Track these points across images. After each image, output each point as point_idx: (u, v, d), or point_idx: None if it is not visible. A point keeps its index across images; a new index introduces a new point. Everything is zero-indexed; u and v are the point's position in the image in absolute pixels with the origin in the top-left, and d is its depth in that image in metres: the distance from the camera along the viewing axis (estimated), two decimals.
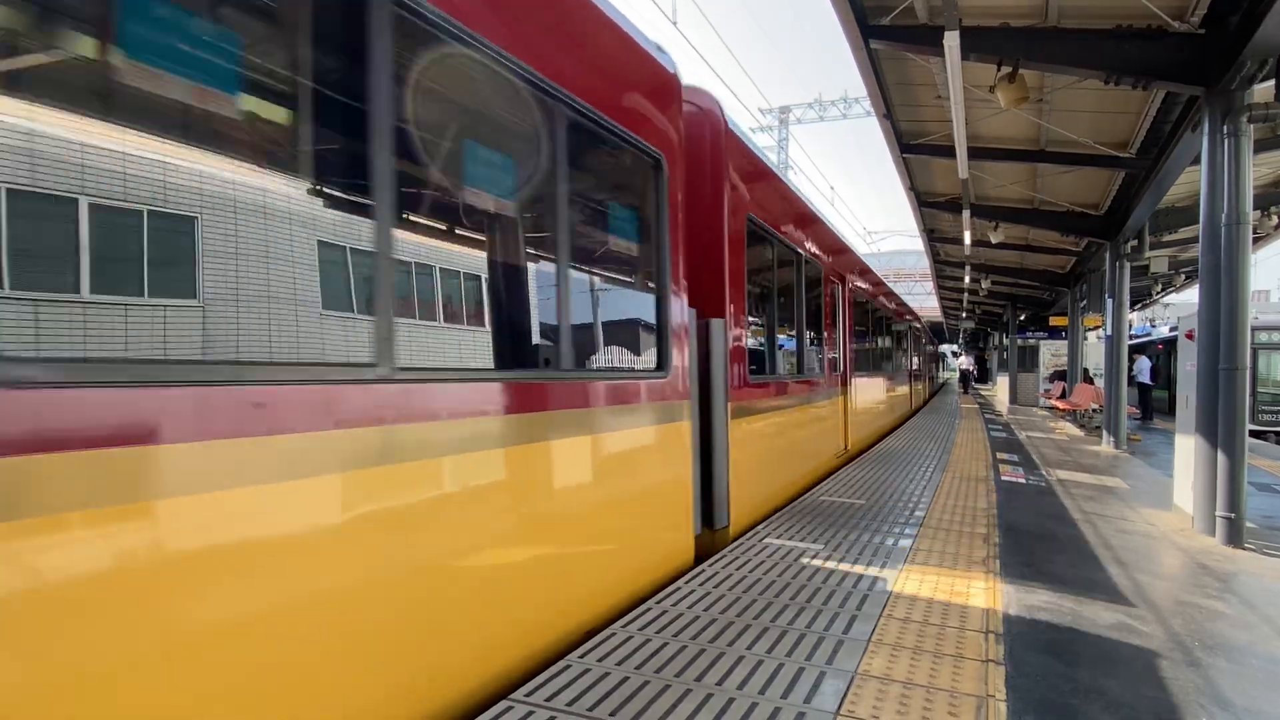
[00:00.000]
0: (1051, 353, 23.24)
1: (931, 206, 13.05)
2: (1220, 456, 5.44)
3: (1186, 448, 6.06)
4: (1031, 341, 24.43)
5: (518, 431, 2.77)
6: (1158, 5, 5.70)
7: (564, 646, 3.00)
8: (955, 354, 53.64)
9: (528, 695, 2.48)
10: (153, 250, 1.77)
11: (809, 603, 3.51)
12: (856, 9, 6.48)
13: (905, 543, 4.75)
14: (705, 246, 4.75)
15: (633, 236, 3.96)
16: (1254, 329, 14.10)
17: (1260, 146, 6.99)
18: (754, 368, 5.43)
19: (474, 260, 2.92)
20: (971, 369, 35.81)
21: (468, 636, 2.49)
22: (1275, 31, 4.88)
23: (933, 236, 16.14)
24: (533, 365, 3.07)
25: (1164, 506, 6.78)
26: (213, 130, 1.87)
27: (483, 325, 2.88)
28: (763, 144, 32.32)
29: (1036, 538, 5.38)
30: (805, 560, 4.25)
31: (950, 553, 4.54)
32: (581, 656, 2.82)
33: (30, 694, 1.42)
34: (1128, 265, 11.15)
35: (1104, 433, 11.91)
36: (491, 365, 2.87)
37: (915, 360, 21.03)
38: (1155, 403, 19.30)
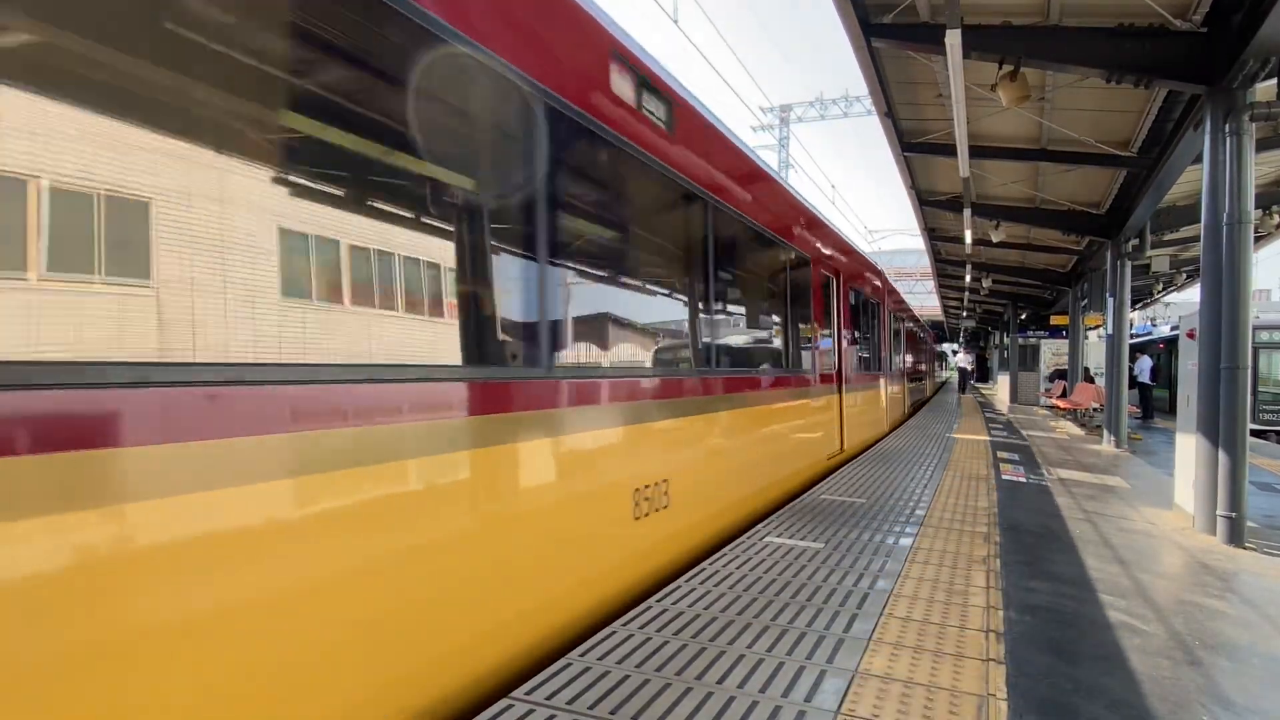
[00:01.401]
0: (1052, 352, 23.21)
1: (932, 205, 13.04)
2: (1221, 455, 5.43)
3: (1187, 447, 6.06)
4: (1032, 340, 24.41)
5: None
6: (1160, 3, 5.69)
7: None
8: (954, 352, 53.53)
9: (528, 694, 2.48)
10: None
11: (809, 601, 3.51)
12: (858, 7, 6.47)
13: (906, 541, 4.74)
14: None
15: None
16: (1255, 328, 14.09)
17: (1262, 145, 6.97)
18: None
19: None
20: (970, 367, 35.25)
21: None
22: (1277, 30, 4.87)
23: (934, 235, 16.12)
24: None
25: (1165, 505, 6.77)
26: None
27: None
28: (763, 143, 32.35)
29: (1037, 536, 5.37)
30: (805, 559, 4.25)
31: (951, 551, 4.54)
32: (582, 655, 2.82)
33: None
34: (1129, 264, 11.13)
35: (1104, 432, 11.90)
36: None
37: (851, 332, 9.56)
38: (1156, 402, 19.29)
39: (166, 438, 1.73)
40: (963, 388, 31.28)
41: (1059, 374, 21.62)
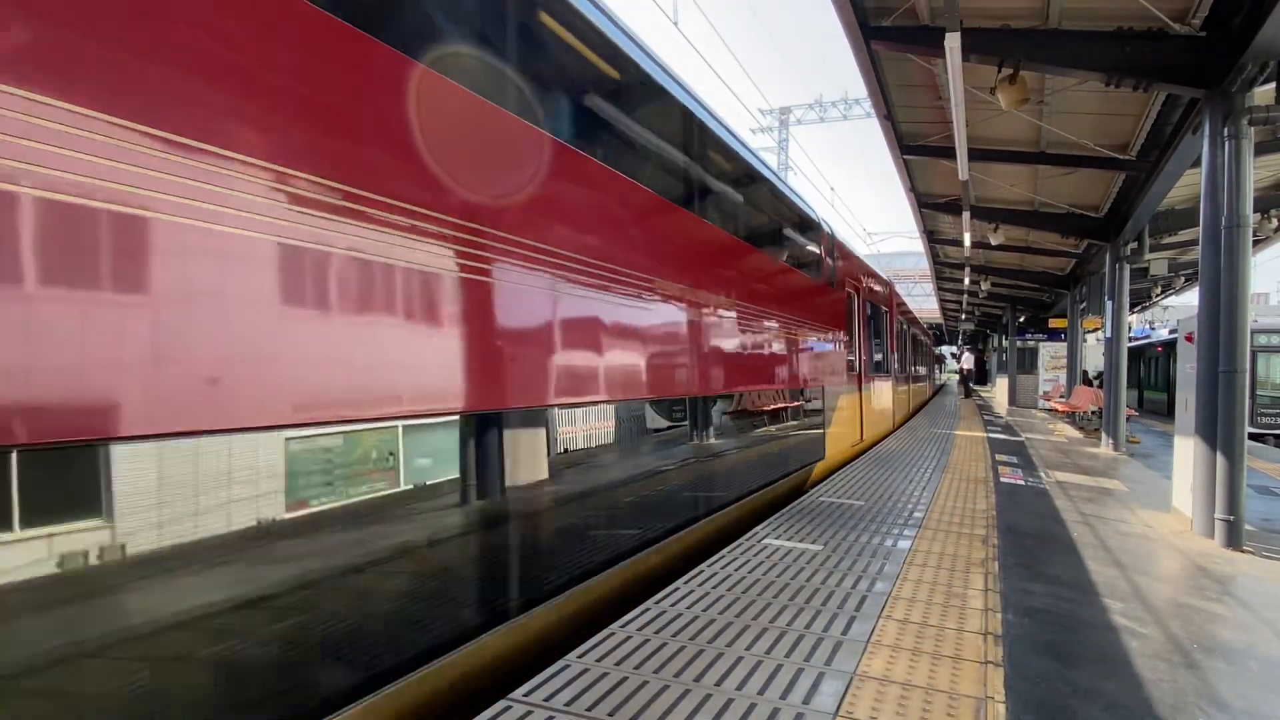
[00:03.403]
0: (1051, 354, 23.21)
1: (931, 208, 13.06)
2: (1219, 459, 5.44)
3: (1186, 450, 6.06)
4: (1031, 343, 24.42)
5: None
6: (1159, 7, 5.70)
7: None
8: (954, 355, 53.62)
9: (526, 695, 2.48)
10: None
11: (808, 603, 3.51)
12: (858, 10, 6.48)
13: (904, 544, 4.74)
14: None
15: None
16: (1253, 331, 14.10)
17: (1261, 149, 6.99)
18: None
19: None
20: (969, 369, 35.18)
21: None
22: (1276, 34, 4.88)
23: (933, 238, 16.14)
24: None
25: (1163, 509, 6.78)
26: None
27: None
28: (763, 145, 32.42)
29: (1036, 539, 5.38)
30: (804, 561, 4.25)
31: (949, 554, 4.54)
32: (580, 656, 2.82)
33: None
34: (1127, 267, 11.15)
35: (1103, 434, 11.91)
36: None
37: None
38: (1153, 404, 19.30)
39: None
40: (965, 392, 31.48)
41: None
